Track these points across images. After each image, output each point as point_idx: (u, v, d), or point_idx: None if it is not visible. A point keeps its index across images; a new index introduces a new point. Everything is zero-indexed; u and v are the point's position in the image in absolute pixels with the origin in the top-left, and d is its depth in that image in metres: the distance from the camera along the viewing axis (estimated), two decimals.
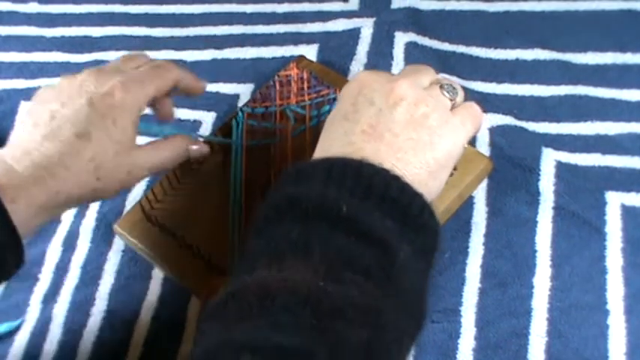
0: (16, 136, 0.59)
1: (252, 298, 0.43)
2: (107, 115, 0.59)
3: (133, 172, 0.61)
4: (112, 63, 0.65)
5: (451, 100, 0.55)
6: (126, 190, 0.67)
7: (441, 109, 0.54)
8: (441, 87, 0.55)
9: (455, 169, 0.69)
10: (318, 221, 0.47)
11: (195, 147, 0.67)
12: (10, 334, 0.73)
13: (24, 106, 0.89)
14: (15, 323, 0.73)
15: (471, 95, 0.77)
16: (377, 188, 0.48)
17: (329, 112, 0.61)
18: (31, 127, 0.59)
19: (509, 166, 0.72)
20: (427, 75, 0.57)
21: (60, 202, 0.57)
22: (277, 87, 0.79)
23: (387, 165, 0.50)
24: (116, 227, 0.75)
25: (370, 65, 0.83)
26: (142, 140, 0.62)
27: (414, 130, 0.52)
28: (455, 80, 0.58)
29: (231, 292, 0.45)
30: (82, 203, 0.61)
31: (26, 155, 0.57)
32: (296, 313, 0.42)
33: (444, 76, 0.57)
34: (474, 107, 0.57)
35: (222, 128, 0.77)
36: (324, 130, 0.55)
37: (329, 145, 0.54)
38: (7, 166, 0.56)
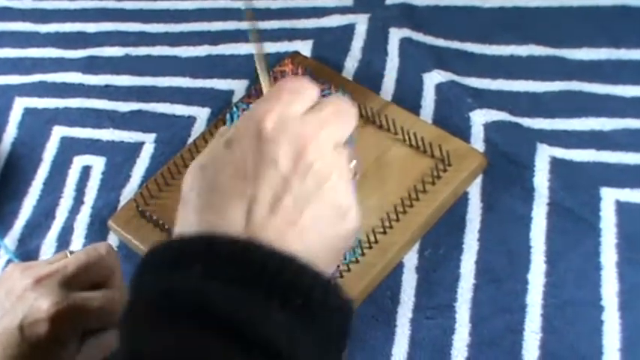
0: None
1: None
2: (36, 345, 0.52)
3: None
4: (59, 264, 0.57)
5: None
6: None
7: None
8: None
9: (450, 165, 0.69)
10: (193, 327, 0.37)
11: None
12: None
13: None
14: None
15: (465, 91, 0.78)
16: (268, 273, 0.38)
17: None
18: None
19: (504, 162, 0.72)
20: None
21: None
22: (272, 83, 0.79)
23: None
24: (110, 223, 0.75)
25: (365, 61, 0.83)
26: None
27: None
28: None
29: None
30: None
31: None
32: None
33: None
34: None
35: (217, 124, 0.77)
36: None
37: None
38: None
